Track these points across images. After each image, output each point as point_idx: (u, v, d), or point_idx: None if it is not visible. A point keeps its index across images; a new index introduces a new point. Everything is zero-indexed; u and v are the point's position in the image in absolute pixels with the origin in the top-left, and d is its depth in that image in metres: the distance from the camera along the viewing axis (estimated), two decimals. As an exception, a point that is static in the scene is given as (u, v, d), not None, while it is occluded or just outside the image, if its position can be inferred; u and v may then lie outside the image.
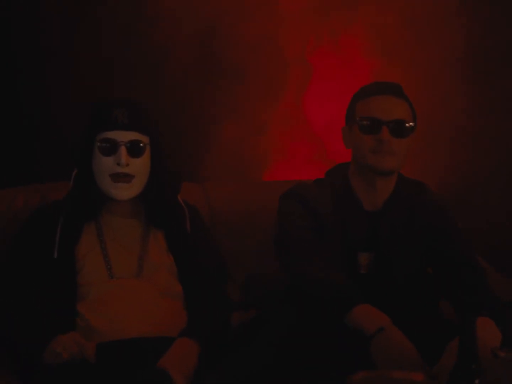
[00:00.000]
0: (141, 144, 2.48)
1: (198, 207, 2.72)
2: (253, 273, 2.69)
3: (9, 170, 3.33)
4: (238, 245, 2.92)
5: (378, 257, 2.47)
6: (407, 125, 2.47)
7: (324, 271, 2.36)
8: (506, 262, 3.14)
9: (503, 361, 1.90)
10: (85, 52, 3.38)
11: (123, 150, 2.44)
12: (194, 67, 3.48)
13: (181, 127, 3.47)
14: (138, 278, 2.46)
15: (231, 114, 3.51)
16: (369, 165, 2.47)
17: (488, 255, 2.90)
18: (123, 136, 2.45)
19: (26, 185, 2.87)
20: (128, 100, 2.50)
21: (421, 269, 2.54)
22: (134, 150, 2.46)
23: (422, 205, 2.54)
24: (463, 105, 3.54)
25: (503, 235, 3.51)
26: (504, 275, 2.91)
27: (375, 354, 2.20)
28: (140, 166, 2.48)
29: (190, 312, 2.46)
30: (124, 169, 2.45)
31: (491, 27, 3.54)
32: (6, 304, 2.38)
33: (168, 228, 2.55)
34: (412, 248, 2.51)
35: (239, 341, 2.32)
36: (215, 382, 2.23)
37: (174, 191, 2.58)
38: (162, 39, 3.41)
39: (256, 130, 3.53)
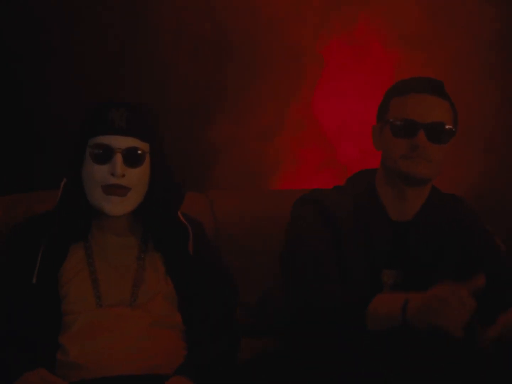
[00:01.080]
0: (139, 152, 2.20)
1: (201, 218, 2.44)
2: (265, 295, 2.55)
3: (7, 177, 3.17)
4: (246, 262, 2.66)
5: (405, 275, 2.23)
6: (446, 128, 2.24)
7: (336, 297, 2.12)
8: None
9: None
10: (89, 51, 3.23)
11: (118, 158, 2.16)
12: (202, 73, 3.33)
13: (187, 134, 3.30)
14: (131, 307, 2.19)
15: (238, 118, 3.33)
16: (400, 172, 2.23)
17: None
18: (120, 142, 2.17)
19: (8, 195, 2.60)
20: (127, 102, 2.22)
21: None
22: (131, 158, 2.18)
23: (458, 219, 2.31)
24: (494, 100, 3.32)
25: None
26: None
27: (418, 323, 1.97)
28: (137, 178, 2.20)
29: (190, 346, 2.20)
30: (119, 181, 2.17)
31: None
32: None
33: (167, 250, 2.27)
34: (445, 266, 2.25)
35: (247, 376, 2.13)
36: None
37: (175, 207, 2.30)
38: (167, 46, 3.27)
39: (265, 135, 3.35)
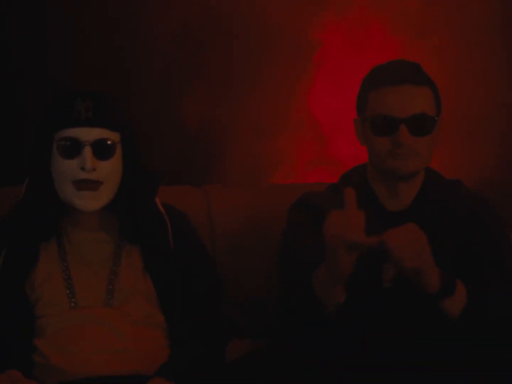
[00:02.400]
0: (109, 143, 2.10)
1: (196, 215, 2.36)
2: (261, 294, 2.47)
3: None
4: (243, 262, 2.54)
5: None
6: (429, 118, 2.12)
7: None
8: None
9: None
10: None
11: (88, 151, 2.06)
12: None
13: (186, 131, 3.20)
14: (107, 307, 2.09)
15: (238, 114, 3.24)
16: (387, 169, 2.14)
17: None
18: (88, 134, 2.07)
19: None
20: (93, 91, 2.12)
21: None
22: (101, 150, 2.08)
23: (455, 203, 2.19)
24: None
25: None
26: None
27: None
28: (109, 170, 2.10)
29: (173, 345, 2.10)
30: (90, 175, 2.07)
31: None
32: None
33: (145, 243, 2.16)
34: (443, 254, 2.10)
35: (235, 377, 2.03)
36: None
37: (149, 197, 2.20)
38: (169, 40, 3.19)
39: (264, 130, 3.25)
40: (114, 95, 2.17)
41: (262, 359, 2.08)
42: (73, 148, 2.07)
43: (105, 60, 3.16)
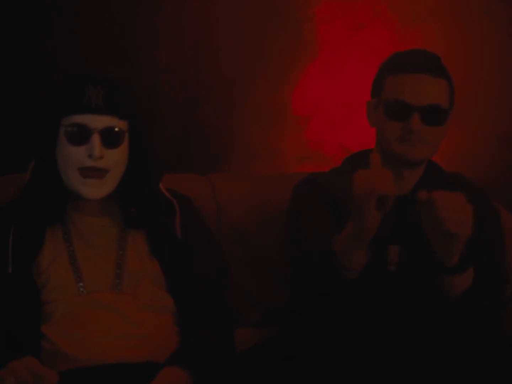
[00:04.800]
0: (118, 132, 2.07)
1: (203, 203, 2.35)
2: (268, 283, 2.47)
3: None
4: (250, 250, 2.52)
5: (409, 251, 2.16)
6: (443, 110, 2.16)
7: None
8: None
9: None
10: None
11: (96, 138, 2.03)
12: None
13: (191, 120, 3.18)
14: (116, 292, 2.07)
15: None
16: (395, 154, 2.17)
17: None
18: (97, 122, 2.04)
19: None
20: (104, 76, 2.08)
21: None
22: (110, 138, 2.05)
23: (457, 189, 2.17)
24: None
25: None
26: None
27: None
28: (116, 159, 2.08)
29: (183, 331, 2.07)
30: (97, 163, 2.04)
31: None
32: None
33: (151, 227, 2.14)
34: None
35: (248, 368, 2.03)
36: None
37: (154, 181, 2.17)
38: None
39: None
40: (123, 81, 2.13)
41: (274, 347, 2.08)
42: (81, 135, 2.04)
43: (110, 43, 3.13)
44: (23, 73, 3.09)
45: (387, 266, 2.16)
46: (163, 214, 2.16)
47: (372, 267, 2.06)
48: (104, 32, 3.10)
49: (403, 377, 1.98)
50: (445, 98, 2.16)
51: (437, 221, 1.92)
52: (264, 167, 3.22)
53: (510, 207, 2.57)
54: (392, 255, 2.16)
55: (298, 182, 2.29)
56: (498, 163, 3.23)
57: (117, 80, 2.09)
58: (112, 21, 3.12)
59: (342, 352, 2.01)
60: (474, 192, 2.19)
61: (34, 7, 3.08)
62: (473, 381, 1.95)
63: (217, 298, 2.14)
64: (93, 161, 2.03)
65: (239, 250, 2.49)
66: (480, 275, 2.06)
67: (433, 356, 2.03)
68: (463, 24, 3.18)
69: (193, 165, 3.10)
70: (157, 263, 2.11)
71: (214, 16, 3.16)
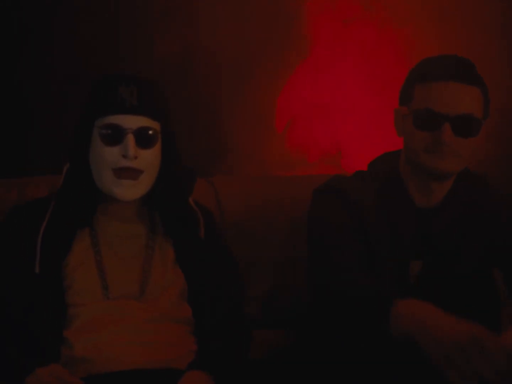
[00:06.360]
0: (152, 132, 2.06)
1: (206, 205, 2.32)
2: (273, 285, 2.47)
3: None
4: (253, 251, 2.52)
5: (430, 265, 2.11)
6: (476, 120, 2.05)
7: (365, 287, 1.97)
8: None
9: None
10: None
11: (130, 139, 2.02)
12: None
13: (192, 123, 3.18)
14: (138, 299, 2.06)
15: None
16: (423, 166, 2.08)
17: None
18: (131, 122, 2.03)
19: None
20: (137, 77, 2.07)
21: (482, 276, 2.17)
22: (144, 139, 2.04)
23: (484, 201, 2.17)
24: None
25: None
26: None
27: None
28: (150, 160, 2.06)
29: (202, 338, 2.08)
30: (131, 163, 2.03)
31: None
32: None
33: (177, 236, 2.14)
34: (471, 251, 2.14)
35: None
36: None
37: (187, 192, 2.18)
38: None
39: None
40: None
41: (289, 353, 2.11)
42: (116, 135, 2.03)
43: (110, 49, 3.11)
44: (22, 76, 3.08)
45: (408, 280, 2.09)
46: (189, 224, 2.16)
47: (392, 281, 2.05)
48: (102, 32, 3.09)
49: None
50: (479, 107, 2.06)
51: None
52: (254, 170, 3.23)
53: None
54: (412, 270, 2.10)
55: (320, 187, 2.20)
56: (486, 158, 3.15)
57: (149, 81, 2.09)
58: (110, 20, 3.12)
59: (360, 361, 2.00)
60: (501, 199, 2.18)
61: (32, 7, 3.06)
62: None
63: (234, 305, 2.16)
64: (127, 161, 2.02)
65: (242, 250, 2.46)
66: None
67: None
68: (454, 21, 3.19)
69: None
70: (181, 272, 2.11)
71: (208, 17, 3.17)
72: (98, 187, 2.07)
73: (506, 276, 2.17)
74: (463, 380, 1.74)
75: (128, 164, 2.02)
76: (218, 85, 3.20)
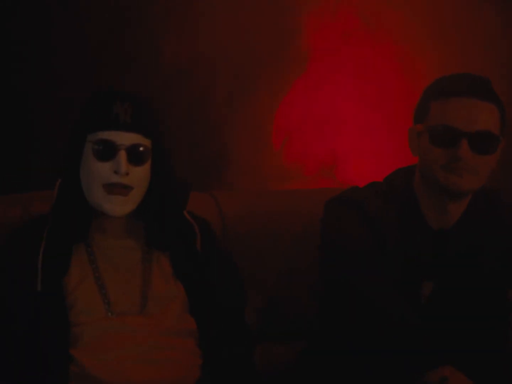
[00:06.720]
0: (143, 149, 2.07)
1: (209, 219, 2.32)
2: (276, 297, 2.46)
3: (3, 176, 3.03)
4: (256, 265, 2.52)
5: (443, 286, 2.09)
6: (494, 137, 2.02)
7: (390, 301, 1.99)
8: None
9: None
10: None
11: (123, 155, 2.03)
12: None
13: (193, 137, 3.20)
14: (142, 315, 2.06)
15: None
16: (440, 183, 2.03)
17: None
18: (124, 138, 2.04)
19: (3, 195, 2.44)
20: (132, 94, 2.09)
21: (496, 296, 2.15)
22: (135, 156, 2.06)
23: (499, 220, 2.14)
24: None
25: None
26: None
27: None
28: (141, 176, 2.07)
29: (205, 353, 2.09)
30: (122, 179, 2.04)
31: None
32: None
33: (173, 249, 2.14)
34: (485, 272, 2.12)
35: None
36: None
37: (181, 204, 2.19)
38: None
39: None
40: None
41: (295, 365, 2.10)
42: (108, 151, 2.03)
43: (111, 63, 3.15)
44: (25, 88, 3.10)
45: (419, 300, 2.07)
46: (185, 235, 2.17)
47: (405, 299, 2.02)
48: (109, 42, 3.13)
49: None
50: (496, 123, 2.02)
51: None
52: (251, 183, 3.24)
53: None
54: (425, 290, 2.08)
55: (332, 200, 2.15)
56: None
57: (143, 98, 2.10)
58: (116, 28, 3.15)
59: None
60: None
61: (33, 12, 3.09)
62: None
63: (236, 318, 2.16)
64: (119, 178, 2.03)
65: (247, 264, 2.45)
66: None
67: None
68: (452, 38, 3.21)
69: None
70: (181, 285, 2.11)
71: (208, 32, 3.19)
72: (89, 202, 2.08)
73: None
74: None
75: (119, 180, 2.02)
76: (217, 98, 3.22)
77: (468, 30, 3.19)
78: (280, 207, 2.57)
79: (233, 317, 2.15)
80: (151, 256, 2.12)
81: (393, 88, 3.13)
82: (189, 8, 3.18)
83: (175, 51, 3.17)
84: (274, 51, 3.22)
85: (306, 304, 2.43)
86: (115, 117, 2.03)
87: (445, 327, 2.06)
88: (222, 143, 3.23)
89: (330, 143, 3.22)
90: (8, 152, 3.10)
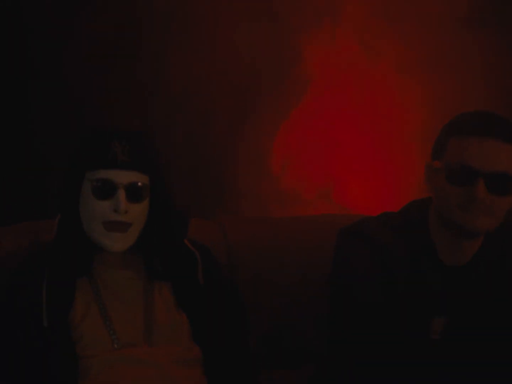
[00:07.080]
0: (142, 187, 2.11)
1: (213, 247, 2.35)
2: (281, 325, 2.46)
3: (15, 204, 3.07)
4: (264, 295, 2.54)
5: (455, 322, 2.08)
6: (511, 178, 1.99)
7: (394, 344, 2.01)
8: None
9: None
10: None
11: (122, 194, 2.07)
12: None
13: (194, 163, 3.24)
14: (147, 345, 2.09)
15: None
16: (455, 222, 2.01)
17: None
18: (122, 177, 2.08)
19: (16, 224, 2.48)
20: (130, 132, 2.13)
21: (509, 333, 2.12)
22: (134, 194, 2.10)
23: (510, 253, 2.12)
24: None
25: None
26: None
27: None
28: (139, 212, 2.12)
29: (210, 381, 2.12)
30: (122, 217, 2.08)
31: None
32: None
33: (175, 278, 2.18)
34: (499, 308, 2.10)
35: None
36: None
37: (180, 234, 2.22)
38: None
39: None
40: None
41: None
42: (107, 190, 2.07)
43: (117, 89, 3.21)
44: (35, 116, 3.17)
45: (430, 335, 2.06)
46: (186, 264, 2.18)
47: (415, 334, 2.03)
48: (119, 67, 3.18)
49: None
50: None
51: None
52: (251, 208, 3.28)
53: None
54: (435, 327, 2.06)
55: (344, 230, 2.12)
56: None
57: (140, 135, 2.13)
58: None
59: None
60: None
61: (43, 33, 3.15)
62: None
63: (240, 345, 2.18)
64: (118, 216, 2.06)
65: (252, 292, 2.50)
66: None
67: None
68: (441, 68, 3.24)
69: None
70: (183, 314, 2.13)
71: (206, 58, 3.25)
72: (89, 237, 2.10)
73: None
74: None
75: (118, 218, 2.06)
76: (218, 125, 3.27)
77: (466, 58, 3.25)
78: (284, 233, 2.59)
79: (237, 345, 2.16)
80: (152, 286, 2.15)
81: (389, 116, 3.18)
82: (188, 35, 3.22)
83: (175, 79, 3.23)
84: (275, 78, 3.28)
85: (312, 331, 2.47)
86: (113, 156, 2.06)
87: (461, 363, 2.05)
88: (222, 168, 3.27)
89: (327, 167, 3.27)
90: (19, 181, 3.16)
